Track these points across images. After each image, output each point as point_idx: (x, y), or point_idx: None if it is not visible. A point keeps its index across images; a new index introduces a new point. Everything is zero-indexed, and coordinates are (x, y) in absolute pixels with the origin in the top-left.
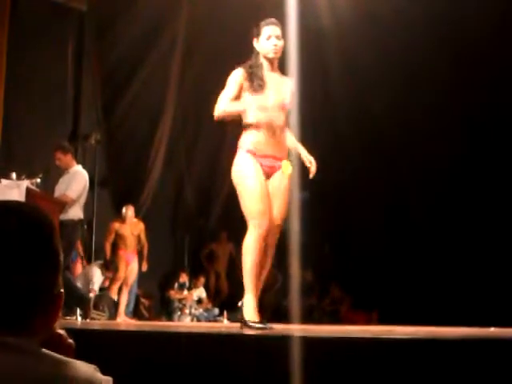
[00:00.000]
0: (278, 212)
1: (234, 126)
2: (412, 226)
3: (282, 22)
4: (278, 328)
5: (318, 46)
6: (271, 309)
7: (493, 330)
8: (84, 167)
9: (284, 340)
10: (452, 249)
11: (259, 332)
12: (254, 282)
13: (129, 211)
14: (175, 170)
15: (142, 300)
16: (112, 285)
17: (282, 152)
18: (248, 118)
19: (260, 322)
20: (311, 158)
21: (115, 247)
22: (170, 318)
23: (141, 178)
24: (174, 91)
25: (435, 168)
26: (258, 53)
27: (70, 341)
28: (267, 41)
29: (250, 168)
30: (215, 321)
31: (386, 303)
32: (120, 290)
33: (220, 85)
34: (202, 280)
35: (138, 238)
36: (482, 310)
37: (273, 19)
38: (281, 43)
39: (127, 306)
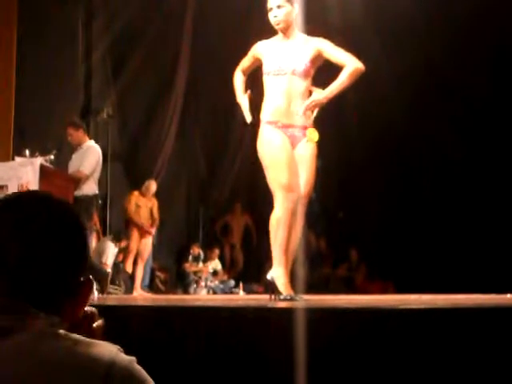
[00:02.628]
0: (305, 182)
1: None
2: (427, 193)
3: None
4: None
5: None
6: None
7: (510, 297)
8: (97, 142)
9: (307, 312)
10: (468, 216)
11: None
12: (284, 255)
13: (152, 186)
14: (188, 142)
15: (158, 273)
16: (126, 257)
17: (304, 120)
18: (266, 88)
19: (293, 295)
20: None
21: (132, 219)
22: (185, 290)
23: (154, 152)
24: (185, 62)
25: (449, 141)
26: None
27: (99, 321)
28: (270, 13)
29: (274, 140)
30: (231, 292)
31: (401, 272)
32: (135, 263)
33: (232, 54)
34: (217, 252)
35: (151, 211)
36: (499, 277)
37: None
38: (283, 11)
39: (143, 279)
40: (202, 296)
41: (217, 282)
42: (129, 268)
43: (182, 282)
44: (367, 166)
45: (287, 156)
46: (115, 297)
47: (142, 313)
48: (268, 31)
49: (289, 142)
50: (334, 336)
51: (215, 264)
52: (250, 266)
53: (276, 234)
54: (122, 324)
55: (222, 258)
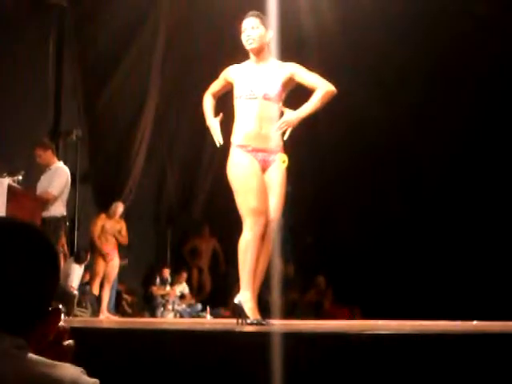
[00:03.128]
0: (274, 207)
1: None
2: (394, 220)
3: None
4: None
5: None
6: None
7: (475, 324)
8: (66, 164)
9: (274, 336)
10: (433, 243)
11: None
12: (251, 279)
13: (119, 208)
14: (157, 165)
15: (125, 296)
16: (93, 280)
17: (275, 144)
18: (237, 112)
19: (260, 319)
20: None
21: (98, 242)
22: (152, 313)
23: (123, 174)
24: (155, 86)
25: (426, 163)
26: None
27: (70, 341)
28: (243, 34)
29: (245, 164)
30: (198, 316)
31: (368, 297)
32: (101, 286)
33: (201, 78)
34: (185, 275)
35: (119, 233)
36: (464, 304)
37: (251, 11)
38: (257, 32)
39: (109, 302)
40: (168, 319)
41: (184, 306)
42: (95, 290)
43: (149, 305)
44: (336, 193)
45: (257, 180)
46: (81, 319)
47: (107, 335)
48: (239, 56)
49: (259, 166)
50: (301, 360)
51: (182, 287)
52: (217, 290)
53: (244, 258)
54: (88, 347)
55: (189, 282)
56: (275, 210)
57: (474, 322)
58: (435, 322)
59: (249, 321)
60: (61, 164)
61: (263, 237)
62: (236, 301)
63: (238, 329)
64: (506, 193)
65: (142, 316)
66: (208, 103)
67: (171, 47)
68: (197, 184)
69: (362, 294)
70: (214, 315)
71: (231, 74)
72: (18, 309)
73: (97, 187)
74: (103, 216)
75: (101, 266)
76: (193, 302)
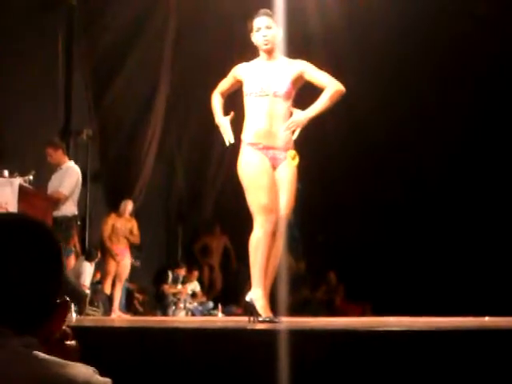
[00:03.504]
0: (284, 204)
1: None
2: (405, 217)
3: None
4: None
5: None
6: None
7: (487, 320)
8: (76, 163)
9: (284, 334)
10: (446, 239)
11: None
12: (262, 276)
13: (128, 206)
14: (168, 163)
15: (136, 295)
16: (104, 279)
17: (285, 142)
18: (247, 109)
19: (272, 317)
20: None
21: (109, 241)
22: (164, 312)
23: (133, 173)
24: (164, 83)
25: (431, 161)
26: (256, 46)
27: (73, 342)
28: (258, 33)
29: (255, 162)
30: (210, 314)
31: (380, 294)
32: (113, 285)
33: (211, 75)
34: (196, 274)
35: (130, 232)
36: (477, 300)
37: (263, 10)
38: (272, 32)
39: (120, 301)
40: (180, 318)
41: (195, 304)
42: (107, 290)
43: (160, 303)
44: (347, 190)
45: (267, 178)
46: (93, 318)
47: (119, 334)
48: (249, 53)
49: (269, 163)
50: (314, 358)
51: (194, 285)
52: (228, 288)
53: (255, 256)
54: (100, 346)
55: (200, 280)
56: (285, 208)
57: (486, 318)
58: (447, 318)
59: (260, 318)
60: (72, 163)
61: (274, 234)
62: (247, 298)
63: (250, 326)
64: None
65: (153, 315)
66: (216, 102)
67: (180, 44)
68: (207, 182)
69: (372, 291)
70: (226, 313)
71: (241, 72)
72: (24, 307)
73: (107, 186)
74: (113, 215)
75: (112, 265)
76: (204, 300)
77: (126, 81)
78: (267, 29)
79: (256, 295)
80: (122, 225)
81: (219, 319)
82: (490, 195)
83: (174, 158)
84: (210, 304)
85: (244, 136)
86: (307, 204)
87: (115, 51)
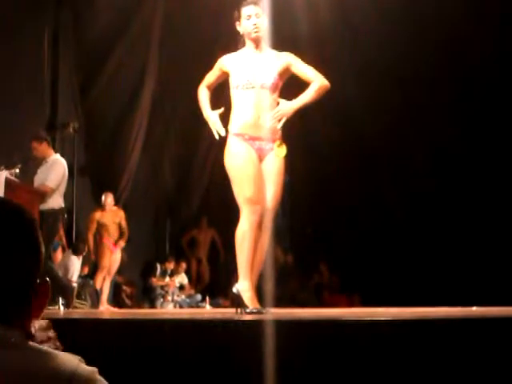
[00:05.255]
0: (272, 196)
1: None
2: (393, 208)
3: None
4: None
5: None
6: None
7: (475, 310)
8: (63, 156)
9: (271, 324)
10: (433, 231)
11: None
12: (249, 268)
13: (108, 198)
14: (154, 156)
15: (124, 288)
16: (98, 274)
17: (272, 133)
18: (234, 101)
19: (259, 308)
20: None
21: (98, 236)
22: (152, 305)
23: (120, 165)
24: (151, 76)
25: (419, 154)
26: (242, 35)
27: (52, 332)
28: (247, 21)
29: (242, 153)
30: (198, 307)
31: (368, 285)
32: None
33: (197, 69)
34: (184, 266)
35: (119, 225)
36: (464, 290)
37: None
38: (261, 21)
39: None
40: (168, 310)
41: (183, 297)
42: (98, 283)
43: (148, 296)
44: (335, 181)
45: (253, 169)
46: (81, 311)
47: (107, 326)
48: (234, 47)
49: (256, 155)
50: (301, 348)
51: (182, 278)
52: (216, 280)
53: (241, 248)
54: (89, 337)
55: (188, 273)
56: (272, 200)
57: (474, 308)
58: (435, 308)
59: (248, 310)
60: (57, 156)
61: (260, 226)
62: (234, 290)
63: (237, 318)
64: (500, 183)
65: (141, 307)
66: (204, 95)
67: (166, 38)
68: (194, 175)
69: (361, 282)
70: (214, 305)
71: (227, 63)
72: (4, 296)
73: (94, 179)
74: (98, 211)
75: (107, 259)
76: (192, 292)
77: (112, 74)
78: (257, 17)
79: (243, 287)
80: (110, 218)
81: (207, 311)
82: (474, 191)
83: (161, 151)
84: (198, 296)
85: (230, 127)
86: (296, 196)
87: (101, 45)
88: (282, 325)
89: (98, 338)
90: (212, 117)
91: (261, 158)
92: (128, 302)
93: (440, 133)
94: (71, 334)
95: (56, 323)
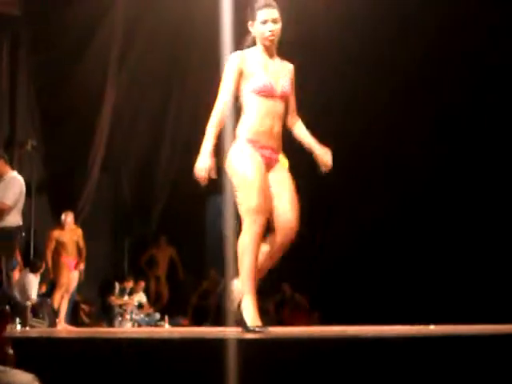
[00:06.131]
0: (289, 210)
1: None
2: (350, 226)
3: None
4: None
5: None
6: (213, 312)
7: (432, 328)
8: (21, 173)
9: (231, 343)
10: (389, 247)
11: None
12: (252, 282)
13: (68, 217)
14: (113, 175)
15: (83, 306)
16: (56, 292)
17: (279, 144)
18: (249, 106)
19: (261, 326)
20: (326, 150)
21: (57, 254)
22: (110, 324)
23: (79, 184)
24: (110, 93)
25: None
26: (253, 37)
27: (10, 350)
28: (263, 26)
29: (250, 159)
30: (156, 325)
31: (328, 303)
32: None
33: (156, 87)
34: (143, 285)
35: (77, 244)
36: (422, 308)
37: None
38: (278, 27)
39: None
40: (127, 329)
41: (142, 315)
42: (56, 302)
43: (106, 315)
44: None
45: (261, 178)
46: (39, 330)
47: (64, 345)
48: (196, 53)
49: (264, 163)
50: (261, 367)
51: (140, 297)
52: (175, 299)
53: (242, 261)
54: (46, 356)
55: (147, 291)
56: (292, 215)
57: (432, 327)
58: (394, 326)
59: (250, 328)
60: (15, 174)
61: (262, 237)
62: (239, 306)
63: (196, 336)
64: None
65: (99, 326)
66: (218, 123)
67: (126, 56)
68: (153, 194)
69: (321, 300)
70: (172, 324)
71: (244, 64)
72: None
73: (53, 197)
74: (57, 230)
75: (65, 277)
76: (151, 311)
77: (71, 92)
78: (273, 23)
79: (245, 302)
80: (69, 237)
81: (166, 330)
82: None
83: (120, 169)
84: (157, 315)
85: (241, 132)
86: None
87: (60, 63)
88: (239, 343)
89: (55, 357)
90: (209, 163)
91: (268, 167)
92: (86, 320)
93: (428, 130)
94: (28, 352)
95: (13, 342)
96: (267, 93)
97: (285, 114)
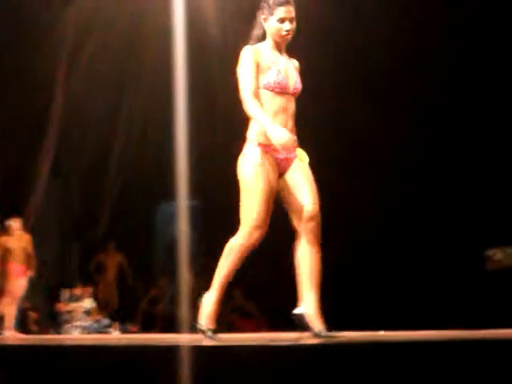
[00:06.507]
0: (310, 198)
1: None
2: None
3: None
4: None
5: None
6: (162, 319)
7: (383, 334)
8: None
9: (181, 350)
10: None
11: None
12: (223, 283)
13: (15, 223)
14: (62, 180)
15: (30, 313)
16: (2, 299)
17: (294, 141)
18: (263, 104)
19: (213, 331)
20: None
21: (3, 261)
22: (58, 330)
23: (27, 190)
24: (60, 97)
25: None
26: (263, 31)
27: None
28: (280, 24)
29: (258, 168)
30: (105, 332)
31: (275, 309)
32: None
33: (107, 91)
34: (91, 291)
35: (25, 250)
36: (372, 314)
37: None
38: (294, 26)
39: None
40: (75, 335)
41: (90, 322)
42: (3, 309)
43: (54, 321)
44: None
45: (265, 190)
46: None
47: (12, 352)
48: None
49: (277, 169)
50: (209, 373)
51: (89, 303)
52: (124, 305)
53: (225, 261)
54: None
55: (95, 297)
56: (313, 202)
57: (381, 332)
58: (343, 332)
59: (205, 333)
60: None
61: (251, 250)
62: (296, 311)
63: (144, 343)
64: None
65: (47, 333)
66: (260, 108)
67: (77, 61)
68: (102, 199)
69: (269, 306)
70: (121, 331)
71: (262, 58)
72: None
73: (0, 203)
74: (3, 236)
75: (11, 284)
76: (99, 317)
77: (20, 94)
78: (291, 22)
79: (207, 299)
80: (16, 243)
81: (114, 336)
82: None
83: (69, 174)
84: (105, 321)
85: (253, 134)
86: (210, 220)
87: (9, 65)
88: (189, 350)
89: (2, 364)
90: (285, 132)
91: (285, 169)
92: (34, 328)
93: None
94: None
95: None
96: (281, 89)
97: (295, 111)
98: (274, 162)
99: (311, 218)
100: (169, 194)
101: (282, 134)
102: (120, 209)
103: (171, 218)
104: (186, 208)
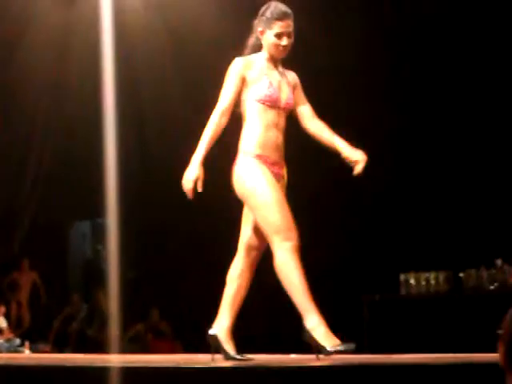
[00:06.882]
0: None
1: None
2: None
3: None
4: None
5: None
6: (75, 337)
7: (293, 357)
8: None
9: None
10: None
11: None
12: (310, 300)
13: None
14: None
15: None
16: None
17: (283, 158)
18: (252, 115)
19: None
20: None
21: None
22: None
23: None
24: None
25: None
26: (259, 43)
27: None
28: (277, 39)
29: (264, 177)
30: (16, 351)
31: (189, 332)
32: None
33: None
34: (3, 310)
35: None
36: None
37: (286, 9)
38: (291, 41)
39: None
40: None
41: (1, 341)
42: None
43: None
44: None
45: (279, 194)
46: None
47: None
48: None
49: (275, 178)
50: None
51: (0, 322)
52: (36, 325)
53: (289, 281)
54: None
55: (7, 316)
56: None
57: (292, 356)
58: (262, 355)
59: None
60: None
61: (298, 250)
62: (211, 332)
63: (55, 363)
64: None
65: None
66: (218, 128)
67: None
68: (15, 216)
69: (182, 328)
70: (33, 350)
71: (247, 71)
72: None
73: None
74: None
75: None
76: (11, 336)
77: None
78: (289, 37)
79: (312, 323)
80: None
81: (26, 356)
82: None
83: None
84: (17, 341)
85: (248, 147)
86: (124, 238)
87: None
88: (119, 372)
89: None
90: (197, 173)
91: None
92: None
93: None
94: None
95: None
96: (272, 102)
97: (286, 127)
98: (271, 173)
99: (257, 248)
100: (84, 212)
101: (187, 178)
102: (34, 227)
103: (85, 238)
104: (112, 226)
